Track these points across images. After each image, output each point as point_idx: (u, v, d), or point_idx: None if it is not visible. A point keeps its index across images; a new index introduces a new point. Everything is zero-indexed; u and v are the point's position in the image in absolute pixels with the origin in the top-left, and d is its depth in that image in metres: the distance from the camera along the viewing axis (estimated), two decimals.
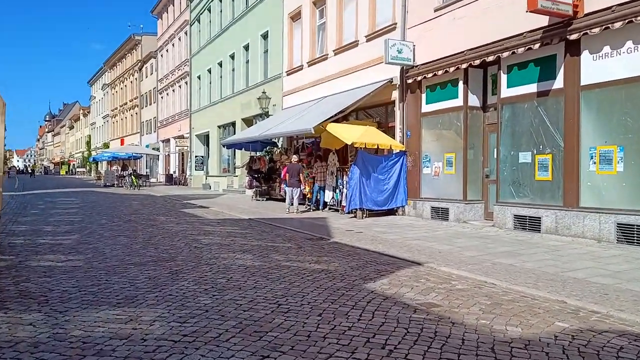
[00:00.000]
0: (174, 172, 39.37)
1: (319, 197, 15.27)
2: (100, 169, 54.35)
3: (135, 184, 30.76)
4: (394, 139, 13.84)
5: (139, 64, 48.76)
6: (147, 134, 47.27)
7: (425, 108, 13.00)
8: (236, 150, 25.55)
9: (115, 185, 34.45)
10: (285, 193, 15.47)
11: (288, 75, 20.59)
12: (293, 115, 17.08)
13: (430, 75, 12.36)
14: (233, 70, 27.07)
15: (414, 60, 13.11)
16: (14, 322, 4.36)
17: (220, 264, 6.90)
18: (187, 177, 35.03)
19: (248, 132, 19.98)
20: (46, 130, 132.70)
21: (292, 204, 14.84)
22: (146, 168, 47.78)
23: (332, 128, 13.29)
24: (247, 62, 25.10)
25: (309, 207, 15.90)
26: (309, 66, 18.83)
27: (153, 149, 42.64)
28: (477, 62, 11.10)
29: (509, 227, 10.40)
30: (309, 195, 15.80)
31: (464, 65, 11.43)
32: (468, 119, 11.86)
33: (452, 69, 11.71)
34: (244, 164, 25.37)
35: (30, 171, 65.48)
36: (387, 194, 13.38)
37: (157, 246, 8.54)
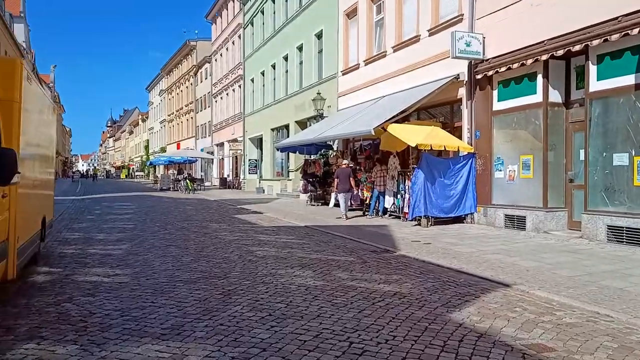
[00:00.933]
0: (228, 175, 39.51)
1: (378, 203, 14.31)
2: (157, 173, 55.74)
3: (190, 187, 30.92)
4: (461, 140, 12.70)
5: (194, 69, 49.54)
6: (201, 137, 47.88)
7: (497, 106, 11.78)
8: (290, 153, 25.04)
9: (171, 189, 34.88)
10: (333, 198, 14.73)
11: (343, 75, 19.77)
12: (350, 117, 16.24)
13: (503, 69, 11.16)
14: (286, 72, 26.59)
15: (483, 54, 11.94)
16: (46, 357, 3.75)
17: (278, 283, 6.14)
18: (240, 180, 34.96)
19: (303, 135, 19.32)
20: (108, 135, 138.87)
21: (345, 211, 14.13)
22: (201, 172, 48.43)
23: (394, 129, 12.33)
24: (301, 63, 24.51)
25: (366, 213, 14.99)
26: (365, 65, 17.93)
27: (207, 152, 43.05)
28: (560, 52, 9.82)
29: (601, 240, 9.07)
30: (367, 201, 14.87)
31: (544, 57, 10.17)
32: (548, 117, 10.58)
33: (529, 62, 10.47)
34: (298, 168, 24.81)
35: (92, 175, 68.31)
36: (454, 200, 12.27)
37: (209, 259, 7.91)
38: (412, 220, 12.22)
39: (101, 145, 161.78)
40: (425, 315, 4.74)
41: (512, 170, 11.38)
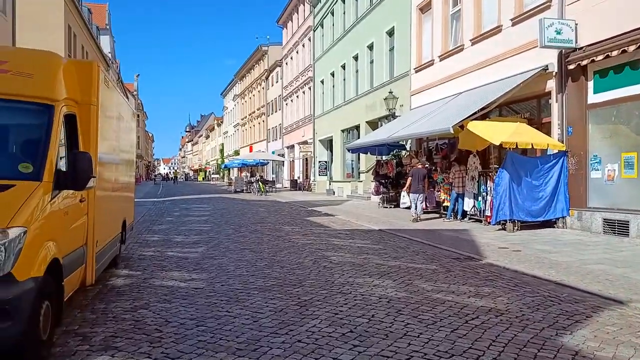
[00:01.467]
0: (298, 177, 39.73)
1: (457, 206, 13.50)
2: (231, 176, 57.37)
3: (263, 190, 31.33)
4: (550, 137, 11.65)
5: (266, 73, 50.44)
6: (272, 140, 48.63)
7: (593, 98, 10.65)
8: (361, 154, 24.60)
9: (244, 191, 35.57)
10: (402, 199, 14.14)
11: (416, 72, 19.03)
12: (424, 115, 15.52)
13: (600, 57, 10.04)
14: (357, 71, 26.18)
15: (576, 42, 10.86)
16: None
17: (357, 294, 5.72)
18: (311, 182, 34.99)
19: (374, 135, 18.80)
20: (186, 140, 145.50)
21: (416, 211, 13.56)
22: (272, 174, 49.20)
23: (475, 127, 11.52)
24: (372, 62, 23.99)
25: (443, 216, 14.21)
26: (440, 60, 17.11)
27: (278, 155, 43.60)
28: None
29: None
30: (444, 204, 14.10)
31: None
32: None
33: (632, 48, 9.32)
34: (369, 169, 24.30)
35: (173, 178, 71.66)
36: (544, 202, 11.26)
37: (283, 264, 7.66)
38: (495, 224, 11.35)
39: (180, 149, 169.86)
40: (532, 339, 4.12)
41: (612, 170, 10.21)
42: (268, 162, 44.89)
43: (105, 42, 41.92)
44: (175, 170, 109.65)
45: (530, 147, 11.33)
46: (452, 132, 11.49)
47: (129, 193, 8.95)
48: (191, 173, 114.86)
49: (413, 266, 7.43)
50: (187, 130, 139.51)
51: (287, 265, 7.55)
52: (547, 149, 11.61)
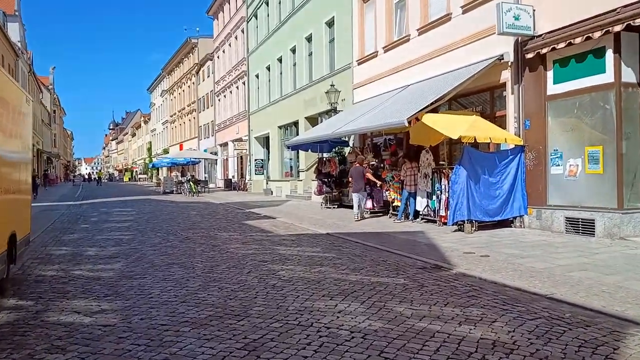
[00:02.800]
0: (233, 176, 37.86)
1: (408, 206, 12.59)
2: (160, 176, 54.17)
3: (194, 190, 29.29)
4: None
5: (196, 67, 47.92)
6: (204, 138, 46.28)
7: (553, 89, 10.05)
8: (300, 152, 23.37)
9: (174, 192, 33.25)
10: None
11: (359, 64, 18.06)
12: (370, 110, 14.53)
13: (562, 45, 9.42)
14: (294, 65, 24.89)
15: (534, 29, 10.22)
16: None
17: (320, 326, 4.44)
18: (246, 182, 33.29)
19: (317, 131, 17.59)
20: (110, 138, 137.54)
21: (358, 211, 12.89)
22: (204, 173, 46.82)
23: (430, 120, 10.62)
24: (310, 54, 22.80)
25: (392, 216, 13.29)
26: (385, 52, 16.22)
27: (211, 153, 41.42)
28: (639, 21, 8.10)
29: None
30: (396, 203, 13.16)
31: (618, 28, 8.42)
32: (622, 100, 8.85)
33: (597, 34, 8.73)
34: (310, 167, 23.13)
35: (96, 179, 66.30)
36: (501, 200, 10.57)
37: (222, 284, 6.23)
38: (453, 224, 10.51)
39: (104, 148, 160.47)
40: None
41: (574, 165, 9.64)
42: (200, 161, 42.57)
43: (13, 29, 37.79)
44: (100, 170, 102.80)
45: (488, 141, 10.59)
46: (407, 125, 10.50)
47: (20, 199, 7.11)
48: (116, 173, 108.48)
49: (378, 281, 6.26)
50: (111, 128, 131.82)
51: (226, 285, 6.13)
52: (501, 145, 10.97)
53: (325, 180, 17.55)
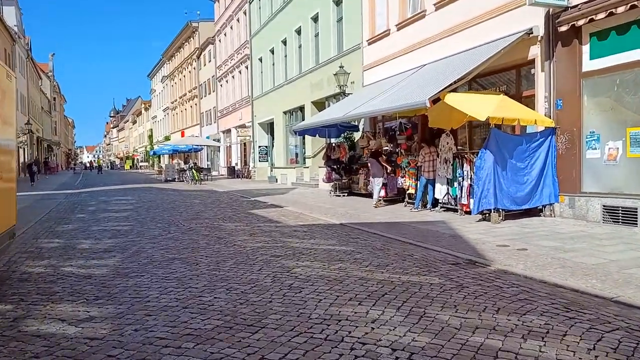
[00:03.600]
0: (236, 164, 37.02)
1: (426, 194, 11.77)
2: (161, 163, 53.40)
3: (197, 178, 28.51)
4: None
5: (197, 52, 46.84)
6: (207, 125, 45.38)
7: (590, 65, 9.14)
8: (306, 137, 22.51)
9: (176, 180, 32.48)
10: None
11: (370, 44, 17.12)
12: (383, 91, 13.63)
13: (601, 15, 8.49)
14: (300, 47, 23.91)
15: (568, 0, 9.30)
16: None
17: (354, 341, 3.64)
18: (250, 169, 32.46)
19: (326, 115, 16.67)
20: (111, 126, 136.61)
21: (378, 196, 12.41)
22: (207, 161, 45.99)
23: (453, 100, 9.74)
24: (317, 35, 21.82)
25: (408, 204, 12.49)
26: (398, 30, 15.27)
27: (213, 140, 40.56)
28: None
29: None
30: (411, 191, 12.33)
31: None
32: None
33: None
34: (316, 153, 22.30)
35: (97, 167, 65.23)
36: (529, 187, 9.74)
37: (230, 284, 5.44)
38: (477, 214, 9.69)
39: (105, 136, 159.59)
40: None
41: (614, 148, 8.78)
42: (202, 148, 41.71)
43: (9, 12, 36.77)
44: (99, 158, 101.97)
45: (516, 123, 9.73)
46: (428, 106, 9.62)
47: (4, 187, 6.29)
48: (117, 161, 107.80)
49: (409, 280, 5.46)
50: (112, 115, 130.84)
51: (235, 286, 5.34)
52: (527, 127, 10.11)
53: (335, 167, 16.71)
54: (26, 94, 42.20)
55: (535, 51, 10.23)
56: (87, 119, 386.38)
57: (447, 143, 10.96)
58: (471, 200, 10.36)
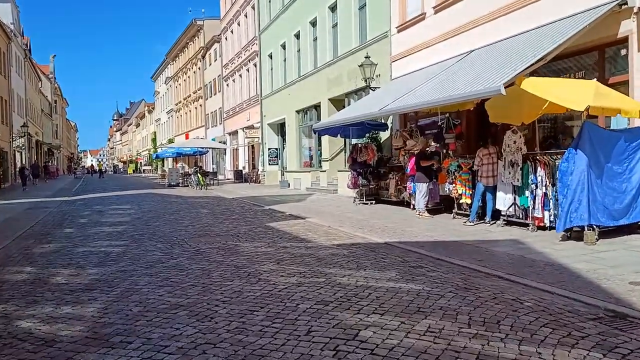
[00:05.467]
0: (244, 167, 35.02)
1: (484, 204, 9.69)
2: (165, 167, 51.52)
3: (202, 183, 26.50)
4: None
5: (202, 51, 44.93)
6: (212, 126, 43.42)
7: None
8: (322, 139, 20.49)
9: (180, 185, 30.51)
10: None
11: (399, 31, 15.07)
12: (423, 83, 11.57)
13: None
14: (315, 39, 21.89)
15: None
16: None
17: None
18: (259, 173, 30.41)
19: (355, 110, 14.51)
20: (115, 129, 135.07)
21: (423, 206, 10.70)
22: (212, 164, 43.99)
23: (535, 85, 7.64)
24: (335, 25, 19.79)
25: (457, 216, 10.42)
26: (436, 12, 13.23)
27: (219, 142, 38.57)
28: None
29: None
30: (464, 200, 10.24)
31: None
32: None
33: None
34: (334, 156, 20.29)
35: (99, 171, 63.26)
36: (629, 197, 7.68)
37: None
38: (565, 231, 7.60)
39: (109, 140, 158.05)
40: None
41: None
42: (207, 151, 39.67)
43: (4, 10, 34.95)
44: (100, 162, 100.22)
45: (615, 115, 7.65)
46: (503, 92, 7.51)
47: None
48: (120, 165, 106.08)
49: (550, 357, 3.39)
50: (115, 119, 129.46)
51: None
52: (612, 120, 8.05)
53: (362, 170, 14.65)
54: (24, 95, 40.39)
55: (629, 27, 8.17)
56: (91, 122, 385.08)
57: (514, 142, 8.87)
58: (546, 213, 8.33)
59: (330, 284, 5.47)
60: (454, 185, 10.42)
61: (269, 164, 28.52)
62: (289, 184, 24.74)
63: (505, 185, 9.14)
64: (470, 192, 10.00)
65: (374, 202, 14.56)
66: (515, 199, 8.99)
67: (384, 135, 16.02)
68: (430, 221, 10.60)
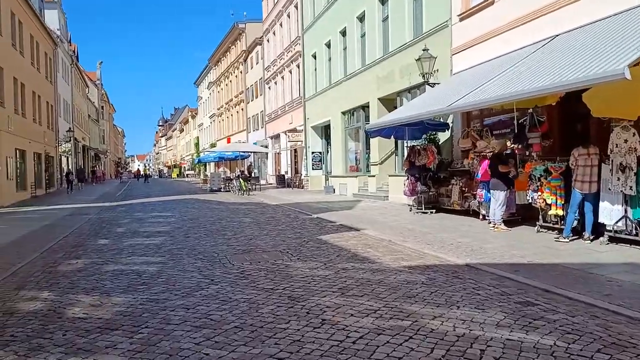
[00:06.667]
0: (286, 172, 33.99)
1: (582, 215, 8.05)
2: (207, 172, 51.33)
3: (245, 188, 25.55)
4: None
5: (244, 54, 44.38)
6: (253, 130, 42.72)
7: None
8: (371, 141, 19.10)
9: (222, 190, 29.74)
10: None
11: (462, 20, 13.52)
12: (493, 76, 9.99)
13: None
14: (363, 36, 20.55)
15: None
16: None
17: None
18: (302, 178, 29.26)
19: (415, 108, 13.00)
20: (160, 135, 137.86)
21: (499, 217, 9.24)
22: (254, 169, 43.25)
23: None
24: (385, 19, 18.38)
25: (545, 230, 8.80)
26: None
27: (261, 146, 37.74)
28: None
29: None
30: (554, 211, 8.60)
31: None
32: None
33: None
34: (384, 159, 18.86)
35: (144, 175, 63.85)
36: None
37: None
38: None
39: (155, 145, 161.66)
40: None
41: None
42: (249, 155, 38.94)
43: (51, 16, 35.34)
44: (145, 167, 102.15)
45: None
46: (628, 76, 5.90)
47: None
48: (165, 170, 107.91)
49: None
50: (160, 124, 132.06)
51: None
52: None
53: (419, 175, 13.16)
54: (70, 100, 40.89)
55: None
56: (138, 128, 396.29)
57: (626, 141, 7.22)
58: None
59: (421, 332, 4.08)
60: (539, 193, 8.81)
61: (313, 169, 27.31)
62: (334, 190, 23.43)
63: (612, 194, 7.49)
64: (562, 202, 8.36)
65: (434, 211, 13.04)
66: (626, 210, 7.32)
67: (442, 137, 14.48)
68: (509, 235, 9.04)
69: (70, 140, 36.41)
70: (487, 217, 10.50)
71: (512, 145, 10.04)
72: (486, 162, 10.17)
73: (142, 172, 69.44)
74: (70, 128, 36.34)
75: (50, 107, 31.52)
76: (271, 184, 35.68)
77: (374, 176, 19.28)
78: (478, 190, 10.58)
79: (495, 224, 9.57)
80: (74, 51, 46.61)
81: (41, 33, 29.42)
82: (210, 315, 4.75)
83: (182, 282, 6.21)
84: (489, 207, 10.30)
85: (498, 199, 9.41)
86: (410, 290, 5.44)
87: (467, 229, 9.94)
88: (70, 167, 38.84)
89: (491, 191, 9.57)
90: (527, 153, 9.47)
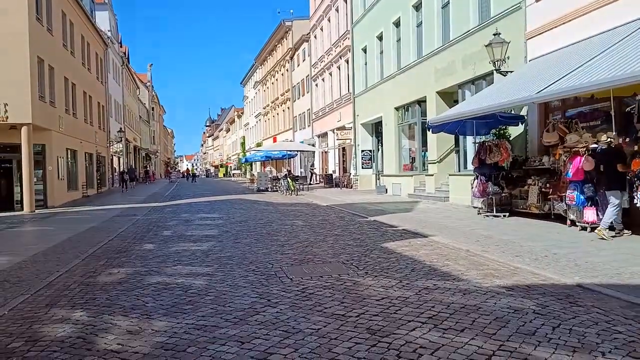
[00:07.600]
0: (334, 171, 32.95)
1: None
2: (254, 171, 51.05)
3: (293, 188, 24.69)
4: None
5: (290, 52, 43.69)
6: (300, 129, 41.94)
7: None
8: (429, 138, 17.76)
9: (269, 190, 29.06)
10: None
11: (538, 0, 12.02)
12: (585, 60, 8.54)
13: None
14: (419, 25, 19.19)
15: None
16: None
17: None
18: (351, 177, 28.14)
19: (486, 99, 11.59)
20: (207, 135, 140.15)
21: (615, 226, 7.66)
22: (300, 168, 42.49)
23: None
24: (446, 5, 16.97)
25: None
26: None
27: (308, 144, 36.87)
28: None
29: None
30: None
31: None
32: None
33: None
34: (442, 157, 17.46)
35: (191, 175, 64.56)
36: None
37: None
38: None
39: (202, 145, 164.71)
40: None
41: None
42: (296, 154, 38.15)
43: (102, 17, 35.79)
44: (193, 166, 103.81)
45: None
46: None
47: None
48: (212, 169, 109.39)
49: None
50: (208, 124, 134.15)
51: None
52: None
53: (491, 174, 11.77)
54: (121, 101, 41.46)
55: None
56: (187, 129, 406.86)
57: None
58: None
59: None
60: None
61: (362, 168, 26.15)
62: (386, 190, 22.18)
63: None
64: None
65: (507, 214, 11.64)
66: None
67: (513, 132, 13.01)
68: (617, 245, 7.60)
69: (121, 140, 36.79)
70: (578, 223, 9.06)
71: (609, 140, 8.53)
72: (578, 159, 8.72)
73: (189, 172, 70.33)
74: (121, 128, 36.73)
75: (101, 107, 31.81)
76: (318, 183, 34.74)
77: (432, 175, 17.91)
78: (568, 191, 9.12)
79: (600, 229, 8.11)
80: (125, 53, 47.37)
81: (92, 34, 29.66)
82: (270, 353, 3.73)
83: (233, 301, 5.24)
84: (580, 211, 8.86)
85: (614, 202, 7.95)
86: (523, 324, 4.22)
87: (557, 237, 8.54)
88: (122, 167, 39.35)
89: (606, 193, 8.10)
90: (637, 147, 7.96)
